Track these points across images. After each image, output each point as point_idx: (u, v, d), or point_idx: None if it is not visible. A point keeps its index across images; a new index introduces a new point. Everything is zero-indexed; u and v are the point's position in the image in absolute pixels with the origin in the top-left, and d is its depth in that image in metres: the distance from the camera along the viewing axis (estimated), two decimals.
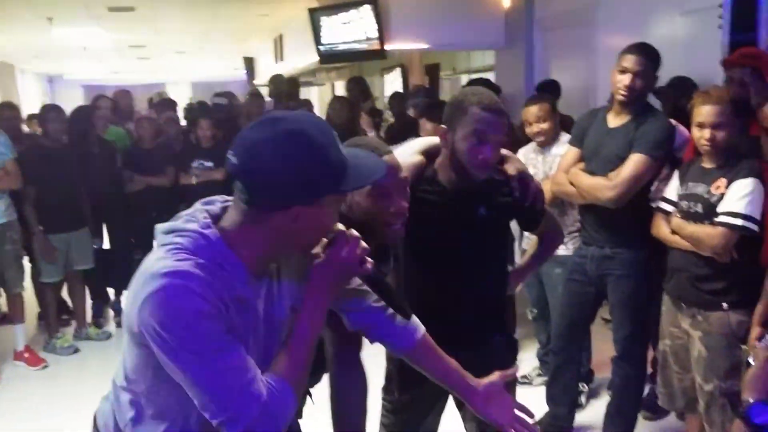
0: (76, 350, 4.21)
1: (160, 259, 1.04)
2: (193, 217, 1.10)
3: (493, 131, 1.69)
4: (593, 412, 3.05)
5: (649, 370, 2.89)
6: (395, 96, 6.23)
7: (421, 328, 1.43)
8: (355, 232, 1.18)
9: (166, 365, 1.04)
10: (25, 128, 5.30)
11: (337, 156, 1.07)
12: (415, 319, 1.43)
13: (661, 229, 2.46)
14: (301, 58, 7.63)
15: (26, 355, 4.02)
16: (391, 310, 1.36)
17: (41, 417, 3.34)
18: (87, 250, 4.29)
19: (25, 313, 4.14)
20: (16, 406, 3.51)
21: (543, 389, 3.04)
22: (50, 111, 4.27)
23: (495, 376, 1.44)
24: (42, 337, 4.37)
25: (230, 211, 1.10)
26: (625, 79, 2.48)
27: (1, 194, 3.85)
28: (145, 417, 1.17)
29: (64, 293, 4.49)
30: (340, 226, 1.17)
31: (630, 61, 2.47)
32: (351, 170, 1.08)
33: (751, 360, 2.17)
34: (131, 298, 1.04)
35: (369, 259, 1.19)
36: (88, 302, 4.57)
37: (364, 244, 1.18)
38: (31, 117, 5.80)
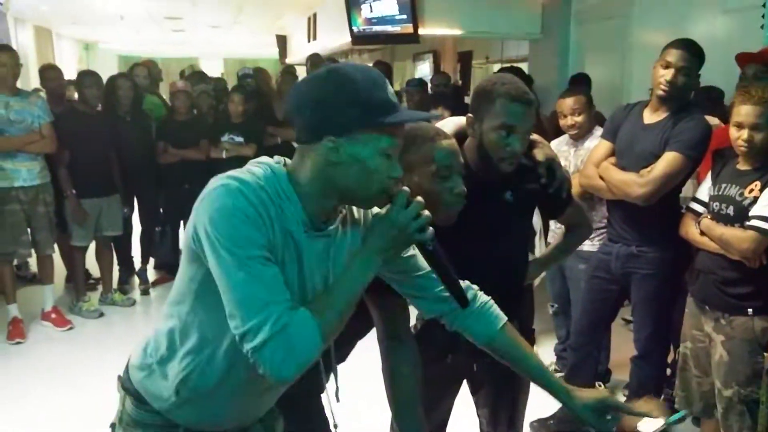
0: (101, 314, 4.31)
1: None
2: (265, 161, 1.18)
3: (521, 123, 1.68)
4: None
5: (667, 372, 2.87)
6: (412, 83, 5.52)
7: (503, 317, 1.42)
8: (420, 198, 1.15)
9: (212, 268, 1.06)
10: None
11: (377, 95, 1.09)
12: (495, 307, 1.42)
13: (690, 229, 2.43)
14: (333, 38, 7.60)
15: (53, 316, 4.12)
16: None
17: (65, 377, 3.42)
18: (117, 217, 4.37)
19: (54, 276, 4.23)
20: (40, 365, 3.61)
21: None
22: (87, 76, 4.33)
23: (602, 392, 1.39)
24: (69, 299, 4.48)
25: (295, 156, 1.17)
26: (668, 74, 2.42)
27: (36, 156, 3.93)
28: (177, 353, 1.19)
29: (88, 261, 4.56)
30: (406, 189, 1.14)
31: (675, 56, 2.42)
32: (394, 112, 1.10)
33: None
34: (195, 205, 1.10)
35: (431, 229, 1.15)
36: (115, 268, 4.67)
37: (426, 212, 1.14)
38: (68, 82, 5.86)
